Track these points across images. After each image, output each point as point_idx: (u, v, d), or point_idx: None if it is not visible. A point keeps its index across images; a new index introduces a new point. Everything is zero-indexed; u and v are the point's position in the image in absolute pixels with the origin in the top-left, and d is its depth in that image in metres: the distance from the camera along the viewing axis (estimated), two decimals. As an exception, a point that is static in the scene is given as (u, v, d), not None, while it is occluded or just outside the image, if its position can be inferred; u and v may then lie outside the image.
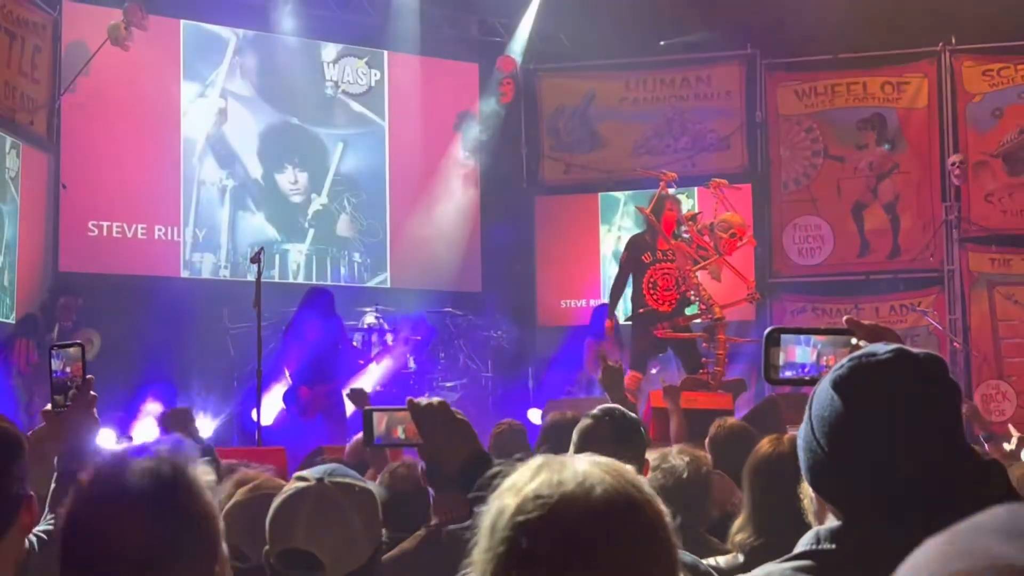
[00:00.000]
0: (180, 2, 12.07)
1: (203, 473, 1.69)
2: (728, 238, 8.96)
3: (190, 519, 1.65)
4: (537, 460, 1.41)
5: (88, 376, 2.92)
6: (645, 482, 1.42)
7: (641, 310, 9.36)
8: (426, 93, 13.53)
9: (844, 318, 2.06)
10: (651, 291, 9.33)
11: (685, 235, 9.24)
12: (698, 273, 9.05)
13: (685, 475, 3.50)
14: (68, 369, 2.94)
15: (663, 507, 1.38)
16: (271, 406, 10.52)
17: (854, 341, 2.00)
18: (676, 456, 3.57)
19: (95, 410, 2.90)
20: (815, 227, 13.12)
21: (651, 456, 3.54)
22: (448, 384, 11.79)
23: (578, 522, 1.30)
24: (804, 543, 1.74)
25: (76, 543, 1.64)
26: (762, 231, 12.82)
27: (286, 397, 9.81)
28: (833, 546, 1.67)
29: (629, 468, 1.41)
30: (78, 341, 3.05)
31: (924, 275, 12.77)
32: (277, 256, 12.40)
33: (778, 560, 1.80)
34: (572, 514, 1.31)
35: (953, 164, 12.51)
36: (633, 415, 3.62)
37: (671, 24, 13.06)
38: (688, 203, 11.33)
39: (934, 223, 12.76)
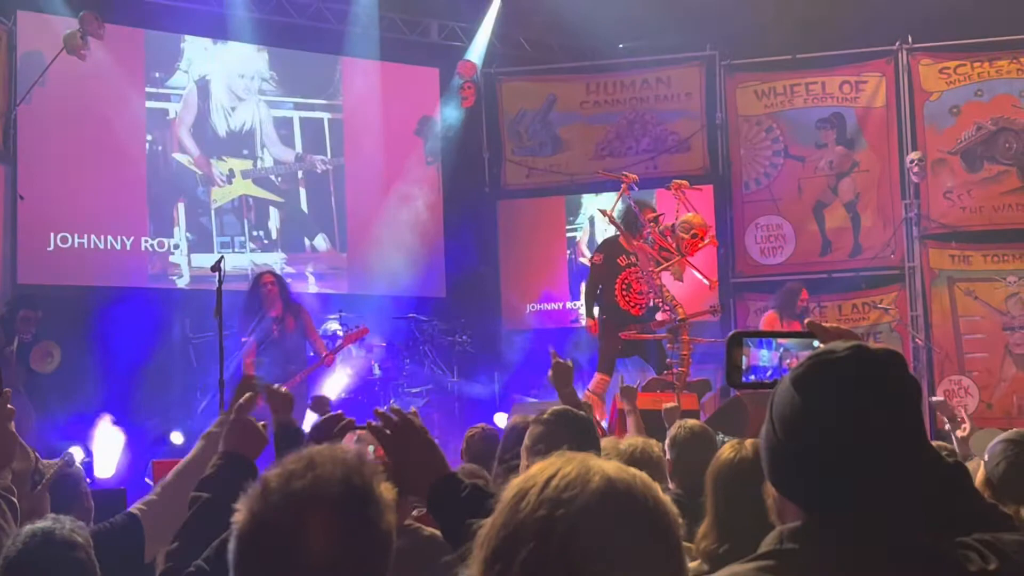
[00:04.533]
0: (138, 11, 11.97)
1: None
2: (690, 239, 9.00)
3: None
4: (560, 455, 1.45)
5: (5, 389, 2.87)
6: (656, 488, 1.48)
7: (604, 316, 9.40)
8: (386, 99, 13.49)
9: (806, 321, 2.06)
10: (624, 293, 9.37)
11: (647, 236, 9.26)
12: (660, 274, 9.08)
13: (637, 454, 3.62)
14: None
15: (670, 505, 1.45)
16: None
17: (816, 344, 2.00)
18: (625, 443, 3.66)
19: (12, 424, 2.84)
20: (776, 226, 13.18)
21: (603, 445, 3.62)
22: (414, 390, 11.74)
23: (588, 517, 1.37)
24: (768, 543, 1.74)
25: None
26: (724, 231, 12.88)
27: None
28: (796, 545, 1.67)
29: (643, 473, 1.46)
30: None
31: (885, 272, 12.85)
32: (239, 264, 12.31)
33: (742, 560, 1.79)
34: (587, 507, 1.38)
35: (912, 162, 12.60)
36: (584, 414, 3.64)
37: (631, 26, 13.09)
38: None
39: (894, 221, 12.85)
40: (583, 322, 10.81)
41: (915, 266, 12.70)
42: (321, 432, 2.49)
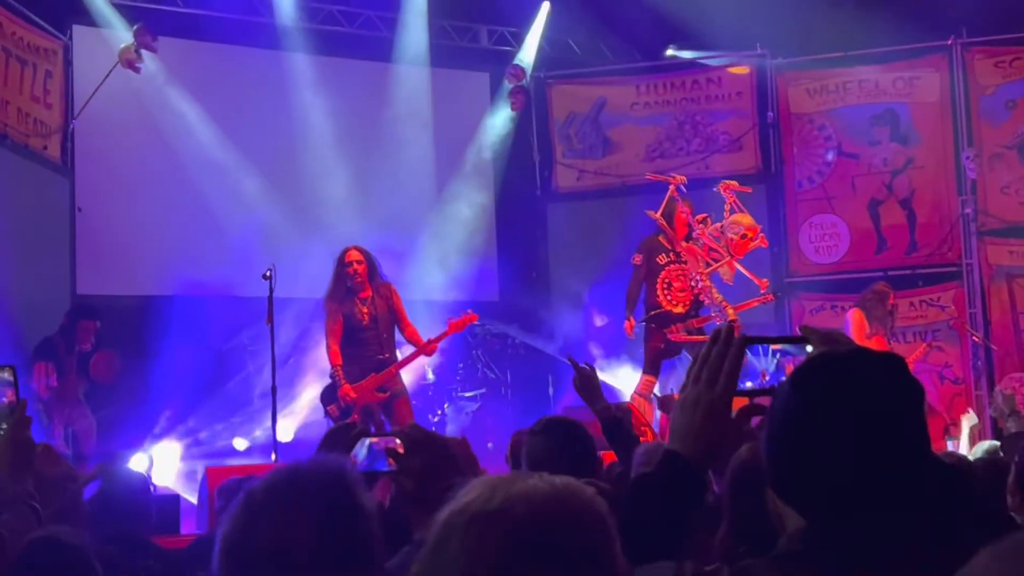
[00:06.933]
0: (190, 23, 12.14)
1: None
2: (739, 239, 8.96)
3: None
4: (486, 477, 1.45)
5: (22, 399, 2.90)
6: (593, 504, 1.44)
7: (654, 312, 9.35)
8: (437, 104, 13.57)
9: (799, 326, 2.06)
10: (666, 292, 9.33)
11: (696, 238, 9.23)
12: (710, 275, 9.04)
13: None
14: (3, 396, 2.91)
15: (601, 535, 1.42)
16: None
17: (809, 348, 1.99)
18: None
19: (29, 433, 2.87)
20: (831, 225, 13.07)
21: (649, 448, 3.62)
22: (467, 394, 11.80)
23: (496, 538, 1.35)
24: (779, 546, 1.74)
25: None
26: (778, 231, 12.80)
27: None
28: (801, 547, 1.66)
29: (576, 490, 1.43)
30: (9, 364, 3.03)
31: (942, 270, 12.69)
32: (291, 271, 12.40)
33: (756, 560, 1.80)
34: (493, 528, 1.36)
35: (968, 157, 12.43)
36: (577, 424, 3.63)
37: (679, 27, 13.06)
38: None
39: (951, 217, 12.69)
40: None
41: (972, 263, 12.51)
42: (334, 440, 2.52)
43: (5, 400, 2.90)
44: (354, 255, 8.90)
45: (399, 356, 8.97)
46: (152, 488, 5.33)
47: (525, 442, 3.51)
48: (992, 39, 12.66)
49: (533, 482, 1.40)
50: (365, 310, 8.77)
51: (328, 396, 8.95)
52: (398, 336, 9.05)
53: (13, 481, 2.73)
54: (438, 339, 8.94)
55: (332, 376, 8.77)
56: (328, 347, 8.79)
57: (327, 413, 8.91)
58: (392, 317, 8.89)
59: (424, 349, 8.82)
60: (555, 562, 1.34)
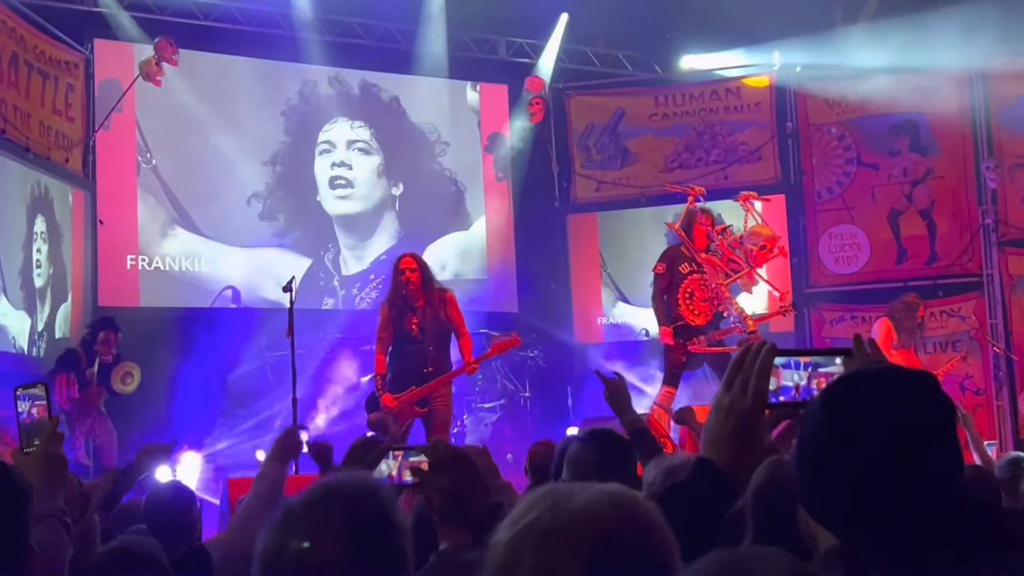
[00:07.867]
0: (211, 36, 12.19)
1: None
2: (758, 250, 8.93)
3: None
4: (539, 491, 1.45)
5: (54, 415, 2.92)
6: (650, 512, 1.45)
7: (678, 323, 9.30)
8: (456, 115, 13.63)
9: (854, 334, 2.04)
10: (687, 302, 9.29)
11: (715, 249, 9.20)
12: (729, 286, 9.02)
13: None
14: (35, 411, 2.93)
15: (663, 541, 1.43)
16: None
17: (838, 361, 1.98)
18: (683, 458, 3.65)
19: (62, 449, 2.89)
20: (851, 235, 13.03)
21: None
22: (486, 405, 11.80)
23: (569, 555, 1.36)
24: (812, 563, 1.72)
25: None
26: (797, 241, 12.78)
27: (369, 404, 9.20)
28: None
29: (633, 500, 1.44)
30: (42, 381, 3.04)
31: (963, 280, 12.63)
32: (312, 283, 12.45)
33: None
34: (564, 546, 1.37)
35: (988, 167, 12.38)
36: (621, 435, 3.64)
37: (698, 38, 13.07)
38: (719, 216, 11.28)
39: (971, 227, 12.63)
40: (652, 333, 10.75)
41: (993, 273, 12.45)
42: (356, 455, 2.53)
43: (36, 416, 2.91)
44: (408, 262, 8.64)
45: (453, 367, 8.78)
46: (199, 504, 5.35)
47: (569, 449, 3.52)
48: (1012, 49, 12.58)
49: (588, 494, 1.42)
50: (415, 320, 8.52)
51: (372, 403, 8.88)
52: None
53: (45, 496, 2.74)
54: (480, 359, 8.81)
55: (373, 384, 8.71)
56: (375, 353, 8.68)
57: (369, 421, 8.81)
58: (444, 328, 8.63)
59: (465, 368, 8.65)
60: (629, 572, 1.36)
